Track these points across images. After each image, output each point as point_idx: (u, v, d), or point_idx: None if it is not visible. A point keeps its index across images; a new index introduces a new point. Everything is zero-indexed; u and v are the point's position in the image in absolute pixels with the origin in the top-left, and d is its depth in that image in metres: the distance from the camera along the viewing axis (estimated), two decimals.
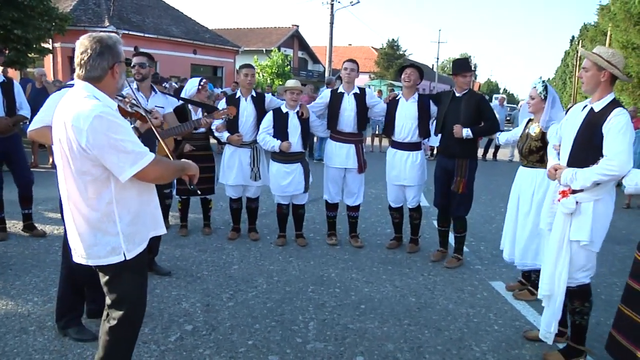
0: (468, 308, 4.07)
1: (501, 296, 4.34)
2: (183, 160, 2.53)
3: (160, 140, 2.66)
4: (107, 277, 2.36)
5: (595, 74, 3.01)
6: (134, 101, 2.70)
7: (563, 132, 3.29)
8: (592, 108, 3.07)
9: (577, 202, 3.03)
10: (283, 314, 3.83)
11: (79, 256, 2.32)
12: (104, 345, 2.41)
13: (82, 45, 2.21)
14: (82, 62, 2.21)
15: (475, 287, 4.53)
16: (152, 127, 2.73)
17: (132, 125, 3.26)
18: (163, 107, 4.57)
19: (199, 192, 2.86)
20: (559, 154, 3.31)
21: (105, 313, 2.45)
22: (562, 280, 3.12)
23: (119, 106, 2.40)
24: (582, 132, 3.07)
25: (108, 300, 2.40)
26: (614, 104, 3.01)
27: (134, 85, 4.54)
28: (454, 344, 3.46)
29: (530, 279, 4.41)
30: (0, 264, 4.56)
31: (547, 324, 3.28)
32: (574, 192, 3.05)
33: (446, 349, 3.39)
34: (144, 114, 2.75)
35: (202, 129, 5.48)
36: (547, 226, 3.34)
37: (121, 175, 2.14)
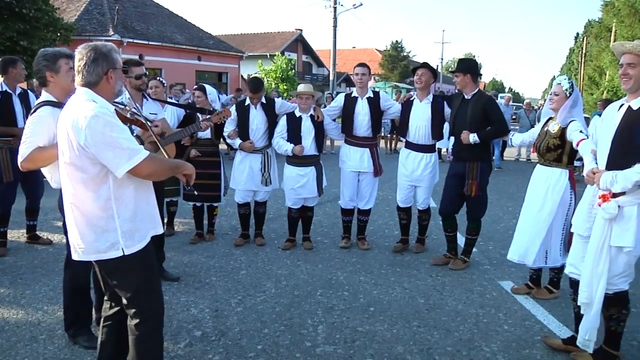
0: (477, 308, 4.05)
1: (510, 296, 4.32)
2: (181, 160, 2.64)
3: (162, 149, 2.76)
4: (113, 278, 2.48)
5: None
6: (134, 109, 2.81)
7: (598, 134, 3.13)
8: (629, 106, 2.91)
9: (619, 206, 2.88)
10: (292, 318, 3.82)
11: (79, 252, 2.42)
12: (132, 343, 2.53)
13: (79, 53, 2.40)
14: (79, 69, 2.38)
15: (484, 288, 4.51)
16: (153, 135, 2.80)
17: (135, 134, 3.33)
18: (156, 114, 4.59)
19: (195, 192, 2.84)
20: (595, 158, 3.13)
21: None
22: (601, 287, 2.96)
23: (117, 111, 2.51)
24: (621, 132, 2.89)
25: (124, 300, 2.51)
26: None
27: (127, 95, 4.55)
28: (464, 345, 3.45)
29: (538, 282, 4.36)
30: (11, 274, 4.60)
31: (587, 332, 3.07)
32: (614, 195, 2.89)
33: (456, 350, 3.38)
34: (144, 121, 2.85)
35: (208, 135, 5.49)
36: (586, 231, 3.16)
37: (117, 171, 2.26)
